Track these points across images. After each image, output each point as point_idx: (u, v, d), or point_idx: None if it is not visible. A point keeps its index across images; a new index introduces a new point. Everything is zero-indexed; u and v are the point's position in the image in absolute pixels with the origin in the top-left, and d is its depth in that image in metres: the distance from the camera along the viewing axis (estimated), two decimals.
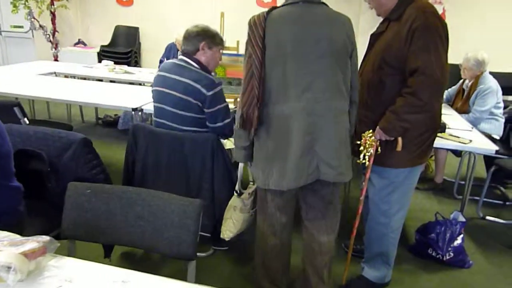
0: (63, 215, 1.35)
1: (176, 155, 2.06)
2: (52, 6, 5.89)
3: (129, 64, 5.61)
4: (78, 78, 4.13)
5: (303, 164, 1.60)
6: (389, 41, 1.78)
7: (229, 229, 2.01)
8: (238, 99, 1.68)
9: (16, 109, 2.52)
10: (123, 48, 5.79)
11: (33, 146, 1.83)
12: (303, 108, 1.57)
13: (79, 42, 6.21)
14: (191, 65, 2.08)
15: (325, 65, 1.58)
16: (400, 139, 1.83)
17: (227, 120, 2.10)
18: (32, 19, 6.01)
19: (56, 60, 6.14)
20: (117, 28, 6.04)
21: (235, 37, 3.04)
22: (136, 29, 5.92)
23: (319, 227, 1.79)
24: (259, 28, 1.55)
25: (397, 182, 1.94)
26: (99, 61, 5.67)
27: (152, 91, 2.18)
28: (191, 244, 1.26)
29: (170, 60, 2.15)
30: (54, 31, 6.06)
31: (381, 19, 1.94)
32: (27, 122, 2.62)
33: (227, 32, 3.15)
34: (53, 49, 6.11)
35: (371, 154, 1.89)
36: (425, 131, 1.86)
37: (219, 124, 2.08)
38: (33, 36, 6.49)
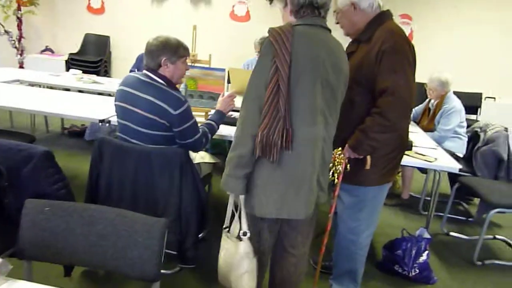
0: (19, 234, 1.28)
1: (143, 169, 2.00)
2: (19, 11, 5.71)
3: (98, 74, 5.48)
4: (43, 87, 4.00)
5: (314, 192, 1.57)
6: (359, 62, 1.81)
7: (248, 285, 1.62)
8: (243, 120, 1.49)
9: None
10: (92, 57, 5.66)
11: None
12: (321, 134, 1.54)
13: (47, 49, 6.03)
14: (156, 81, 1.99)
15: (339, 95, 1.59)
16: (368, 157, 1.86)
17: (197, 136, 2.05)
18: None
19: (21, 67, 5.93)
20: (87, 36, 5.91)
21: (208, 50, 3.03)
22: (106, 38, 5.81)
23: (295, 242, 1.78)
24: (286, 42, 1.43)
25: (366, 200, 1.96)
26: (67, 70, 5.51)
27: (115, 105, 2.09)
28: (155, 265, 1.22)
29: (133, 74, 2.06)
30: (20, 37, 5.86)
31: (349, 40, 1.98)
32: None
33: (199, 45, 3.13)
34: (18, 56, 5.91)
35: (340, 171, 1.90)
36: (392, 150, 1.89)
37: (189, 140, 2.03)
38: None
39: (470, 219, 3.45)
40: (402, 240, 2.42)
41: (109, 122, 2.68)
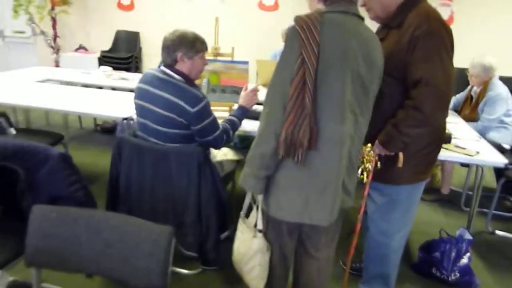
0: (26, 241, 1.25)
1: (161, 169, 1.94)
2: (53, 11, 5.85)
3: (129, 70, 5.54)
4: (75, 85, 4.06)
5: (339, 196, 1.44)
6: (390, 50, 1.65)
7: (259, 277, 1.59)
8: (271, 117, 1.35)
9: (1, 120, 2.43)
10: (123, 53, 5.72)
11: (9, 161, 1.73)
12: (350, 133, 1.38)
13: (80, 48, 6.16)
14: (173, 77, 1.92)
15: (372, 90, 1.44)
16: (401, 154, 1.70)
17: (217, 133, 1.97)
18: (33, 25, 5.98)
19: (57, 65, 6.08)
20: (118, 33, 5.97)
21: (230, 43, 2.93)
22: (136, 34, 5.85)
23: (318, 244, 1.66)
24: (314, 31, 1.28)
25: (399, 199, 1.80)
26: (100, 67, 5.60)
27: (134, 103, 2.05)
28: (161, 275, 1.14)
29: (151, 71, 2.01)
30: (55, 36, 6.01)
31: (377, 26, 1.81)
32: (14, 132, 2.53)
33: (222, 37, 3.03)
34: (54, 55, 6.06)
35: (369, 169, 1.76)
36: (427, 145, 1.72)
37: (208, 138, 1.95)
38: (35, 41, 6.47)
39: None
40: (440, 241, 2.24)
41: (132, 120, 2.66)
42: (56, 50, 6.08)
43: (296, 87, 1.30)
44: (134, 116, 2.61)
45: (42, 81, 3.87)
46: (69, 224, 1.23)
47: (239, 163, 2.56)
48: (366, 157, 1.76)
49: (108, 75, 4.14)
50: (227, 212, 2.06)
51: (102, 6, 6.12)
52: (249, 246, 1.56)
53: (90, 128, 4.81)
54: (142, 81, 2.01)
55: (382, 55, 1.46)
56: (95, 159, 3.83)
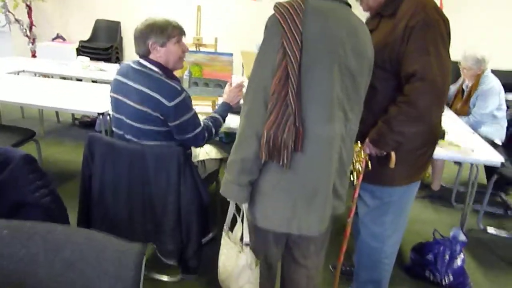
0: None
1: (137, 170, 1.79)
2: None
3: (110, 60, 5.31)
4: (51, 77, 3.85)
5: (330, 202, 1.31)
6: (382, 41, 1.52)
7: None
8: (250, 117, 1.22)
9: None
10: (103, 43, 5.48)
11: None
12: (339, 132, 1.25)
13: (58, 37, 5.88)
14: (150, 69, 1.77)
15: (363, 84, 1.30)
16: (393, 154, 1.58)
17: (198, 130, 1.82)
18: (7, 13, 5.70)
19: (34, 55, 5.82)
20: (98, 22, 5.72)
21: (214, 33, 2.77)
22: (117, 24, 5.60)
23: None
24: (296, 19, 1.15)
25: (391, 201, 1.69)
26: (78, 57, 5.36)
27: (110, 96, 1.89)
28: None
29: (128, 62, 1.86)
30: (31, 25, 5.73)
31: (367, 15, 1.68)
32: None
33: (205, 27, 2.87)
34: (30, 44, 5.80)
35: (359, 170, 1.64)
36: (422, 144, 1.61)
37: (189, 135, 1.80)
38: (10, 30, 6.17)
39: (510, 212, 3.11)
40: (434, 243, 2.14)
41: (108, 115, 2.49)
42: (32, 39, 5.83)
43: (278, 82, 1.16)
44: (110, 111, 2.45)
45: (16, 73, 3.66)
46: (24, 241, 1.08)
47: (223, 161, 2.42)
48: (356, 157, 1.63)
49: (86, 66, 3.93)
50: (209, 216, 1.92)
51: None
52: (235, 263, 1.42)
53: (68, 122, 4.59)
54: (118, 73, 1.86)
55: (372, 45, 1.33)
56: (72, 156, 3.64)
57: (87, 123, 4.51)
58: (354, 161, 1.63)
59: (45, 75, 3.90)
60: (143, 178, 1.79)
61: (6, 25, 5.99)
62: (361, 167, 1.63)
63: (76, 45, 5.50)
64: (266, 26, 1.24)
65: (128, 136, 1.83)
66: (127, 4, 5.67)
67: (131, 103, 1.75)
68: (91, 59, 5.16)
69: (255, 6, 5.16)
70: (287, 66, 1.16)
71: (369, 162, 1.62)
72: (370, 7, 1.63)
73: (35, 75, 3.91)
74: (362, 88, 1.32)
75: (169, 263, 1.89)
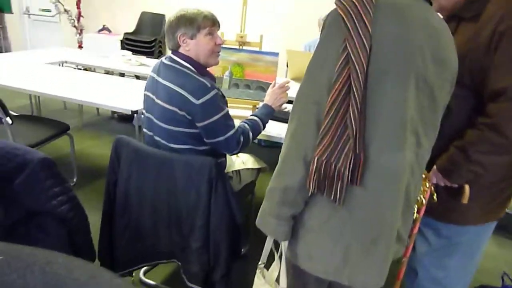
0: None
1: (164, 180, 1.62)
2: None
3: (152, 54, 5.24)
4: (91, 69, 3.80)
5: (392, 251, 1.05)
6: (460, 49, 1.24)
7: None
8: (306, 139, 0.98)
9: None
10: (147, 37, 5.42)
11: None
12: (410, 163, 1.00)
13: (103, 29, 5.90)
14: (180, 64, 1.62)
15: (442, 101, 1.04)
16: (467, 187, 1.30)
17: (231, 133, 1.62)
18: (57, 3, 5.76)
19: (80, 46, 5.86)
20: (143, 14, 5.67)
21: (259, 30, 2.55)
22: (162, 17, 5.52)
23: None
24: (365, 17, 0.91)
25: (460, 242, 1.41)
26: (122, 49, 5.33)
27: (144, 94, 1.76)
28: None
29: (162, 58, 1.71)
30: (79, 16, 5.76)
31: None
32: (10, 122, 2.26)
33: (250, 23, 2.66)
34: (77, 35, 5.84)
35: (422, 202, 1.37)
36: (505, 177, 1.31)
37: (220, 138, 1.61)
38: (60, 20, 6.28)
39: None
40: None
41: (143, 114, 2.34)
42: (80, 30, 5.86)
43: (337, 96, 0.93)
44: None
45: (57, 63, 3.62)
46: (21, 271, 0.91)
47: (260, 171, 2.21)
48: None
49: (127, 60, 3.84)
50: (242, 237, 1.71)
51: None
52: None
53: (107, 115, 4.56)
54: (152, 69, 1.72)
55: (456, 53, 1.06)
56: (106, 150, 3.54)
57: (125, 117, 4.44)
58: None
59: (85, 68, 3.85)
60: (170, 189, 1.61)
61: (56, 15, 6.09)
62: (425, 199, 1.36)
63: (121, 37, 5.47)
64: (324, 24, 1.00)
65: (157, 138, 1.68)
66: None
67: (160, 102, 1.61)
68: (135, 51, 5.14)
69: (306, 3, 4.88)
70: (349, 76, 0.92)
71: (435, 194, 1.35)
72: (443, 7, 1.35)
73: (76, 66, 3.87)
74: (441, 107, 1.06)
75: (191, 286, 1.69)
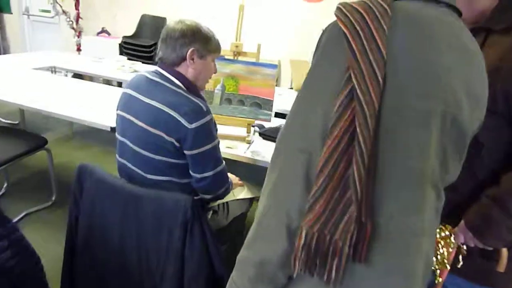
0: None
1: (132, 220, 1.35)
2: None
3: (151, 59, 5.00)
4: (81, 75, 3.57)
5: None
6: (489, 68, 0.97)
7: None
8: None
9: None
10: (147, 40, 5.18)
11: None
12: (429, 225, 0.74)
13: (103, 31, 5.68)
14: (170, 81, 1.39)
15: (468, 140, 0.79)
16: (505, 252, 1.02)
17: (219, 168, 1.40)
18: (55, 4, 5.57)
19: (79, 49, 5.66)
20: (143, 17, 5.44)
21: (256, 39, 2.29)
22: (163, 20, 5.27)
23: None
24: (377, 37, 0.65)
25: None
26: (121, 53, 5.10)
27: (116, 114, 1.51)
28: None
29: (143, 72, 1.46)
30: (78, 17, 5.56)
31: None
32: None
33: (246, 32, 2.40)
34: (76, 37, 5.64)
35: (445, 264, 1.08)
36: None
37: (207, 174, 1.37)
38: (59, 21, 6.08)
39: None
40: None
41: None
42: (78, 32, 5.66)
43: (335, 147, 0.66)
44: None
45: (45, 69, 3.40)
46: None
47: (254, 201, 1.94)
48: (442, 244, 1.09)
49: (120, 66, 3.60)
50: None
51: None
52: None
53: None
54: (128, 84, 1.48)
55: (486, 76, 0.78)
56: (99, 161, 3.32)
57: None
58: (438, 247, 1.09)
59: (76, 74, 3.62)
60: (139, 231, 1.35)
61: (55, 16, 5.90)
62: (448, 261, 1.07)
63: (120, 40, 5.24)
64: (319, 42, 0.74)
65: (131, 167, 1.42)
66: (175, 0, 5.33)
67: (141, 124, 1.35)
68: (133, 56, 4.91)
69: (310, 10, 4.60)
70: (354, 119, 0.65)
71: (462, 254, 1.07)
72: (463, 18, 1.07)
73: (66, 72, 3.64)
74: (467, 148, 0.79)
75: None
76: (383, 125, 0.66)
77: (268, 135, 2.13)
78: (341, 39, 0.67)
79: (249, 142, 2.03)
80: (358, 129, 0.64)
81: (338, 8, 0.70)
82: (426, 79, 0.67)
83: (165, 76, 1.40)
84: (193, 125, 1.29)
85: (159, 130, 1.32)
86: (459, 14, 0.76)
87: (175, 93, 1.35)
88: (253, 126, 2.17)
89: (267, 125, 2.22)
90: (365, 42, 0.65)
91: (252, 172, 3.20)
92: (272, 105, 2.06)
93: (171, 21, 1.46)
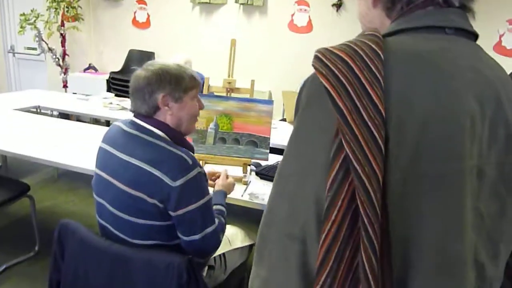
0: None
1: (120, 285, 1.20)
2: (62, 28, 5.33)
3: None
4: (66, 115, 3.44)
5: None
6: None
7: None
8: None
9: None
10: None
11: None
12: None
13: (89, 67, 5.60)
14: (149, 132, 1.23)
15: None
16: None
17: (210, 229, 1.24)
18: (41, 41, 5.49)
19: (65, 86, 5.55)
20: (131, 52, 5.38)
21: (247, 70, 2.20)
22: (151, 54, 5.23)
23: None
24: (369, 89, 0.53)
25: None
26: (108, 90, 5.01)
27: (95, 172, 1.35)
28: None
29: (118, 123, 1.32)
30: (64, 54, 5.48)
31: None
32: None
33: (238, 67, 2.31)
34: (62, 74, 5.53)
35: None
36: None
37: (194, 237, 1.21)
38: (45, 59, 5.99)
39: None
40: None
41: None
42: (64, 69, 5.56)
43: (336, 233, 0.52)
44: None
45: (28, 109, 3.26)
46: None
47: (252, 248, 1.79)
48: None
49: (107, 103, 3.48)
50: None
51: (116, 23, 5.57)
52: None
53: None
54: (104, 137, 1.33)
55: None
56: (81, 208, 3.15)
57: None
58: None
59: (61, 113, 3.49)
60: None
61: (41, 54, 5.81)
62: None
63: (107, 76, 5.16)
64: (300, 97, 0.61)
65: (113, 230, 1.27)
66: (163, 35, 5.30)
67: (118, 184, 1.20)
68: (121, 92, 4.80)
69: (300, 41, 4.58)
70: (353, 196, 0.52)
71: None
72: None
73: (51, 112, 3.51)
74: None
75: None
76: (392, 198, 0.53)
77: (265, 174, 2.01)
78: (324, 96, 0.53)
79: (246, 183, 1.90)
80: (361, 209, 0.51)
81: (316, 56, 0.56)
82: (442, 130, 0.54)
83: (143, 127, 1.24)
84: (177, 183, 1.15)
85: (140, 191, 1.17)
86: (475, 36, 0.64)
87: (155, 147, 1.20)
88: (249, 165, 2.04)
89: (263, 163, 2.10)
90: (354, 97, 0.52)
91: (249, 215, 3.03)
92: (269, 143, 1.95)
93: (143, 66, 1.29)
